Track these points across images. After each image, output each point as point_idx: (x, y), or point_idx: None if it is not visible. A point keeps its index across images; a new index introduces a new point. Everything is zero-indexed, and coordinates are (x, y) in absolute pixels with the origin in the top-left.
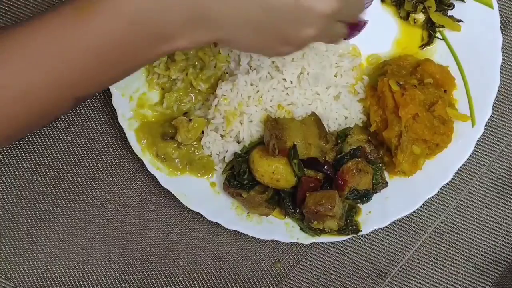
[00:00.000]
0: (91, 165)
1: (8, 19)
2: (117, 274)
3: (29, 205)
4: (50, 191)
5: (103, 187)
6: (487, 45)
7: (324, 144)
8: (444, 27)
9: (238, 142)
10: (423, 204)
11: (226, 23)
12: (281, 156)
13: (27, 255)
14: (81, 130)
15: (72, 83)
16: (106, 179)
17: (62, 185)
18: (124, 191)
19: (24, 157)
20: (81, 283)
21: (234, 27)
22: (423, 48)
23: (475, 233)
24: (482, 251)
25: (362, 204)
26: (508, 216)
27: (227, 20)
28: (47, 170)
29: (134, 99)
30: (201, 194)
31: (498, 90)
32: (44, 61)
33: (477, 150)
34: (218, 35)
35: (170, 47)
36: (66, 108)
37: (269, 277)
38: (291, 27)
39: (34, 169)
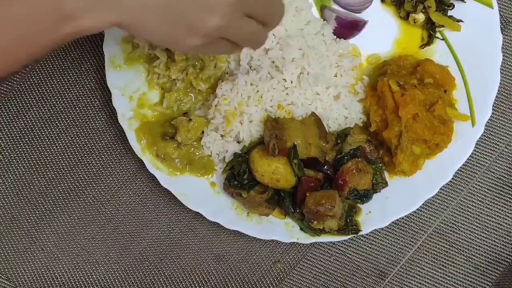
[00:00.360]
0: (91, 165)
1: None
2: (117, 274)
3: (29, 205)
4: (50, 191)
5: (103, 187)
6: (487, 45)
7: (324, 144)
8: (444, 27)
9: (238, 142)
10: (423, 204)
11: (131, 6)
12: (281, 156)
13: (27, 255)
14: (81, 130)
15: None
16: (106, 179)
17: (62, 185)
18: (124, 191)
19: (24, 157)
20: (81, 283)
21: (139, 11)
22: (423, 48)
23: (475, 233)
24: (482, 251)
25: (362, 204)
26: (508, 216)
27: (132, 3)
28: (47, 170)
29: (134, 99)
30: (201, 194)
31: (498, 90)
32: None
33: (477, 150)
34: (123, 19)
35: (75, 27)
36: None
37: (269, 277)
38: (195, 14)
39: (34, 169)
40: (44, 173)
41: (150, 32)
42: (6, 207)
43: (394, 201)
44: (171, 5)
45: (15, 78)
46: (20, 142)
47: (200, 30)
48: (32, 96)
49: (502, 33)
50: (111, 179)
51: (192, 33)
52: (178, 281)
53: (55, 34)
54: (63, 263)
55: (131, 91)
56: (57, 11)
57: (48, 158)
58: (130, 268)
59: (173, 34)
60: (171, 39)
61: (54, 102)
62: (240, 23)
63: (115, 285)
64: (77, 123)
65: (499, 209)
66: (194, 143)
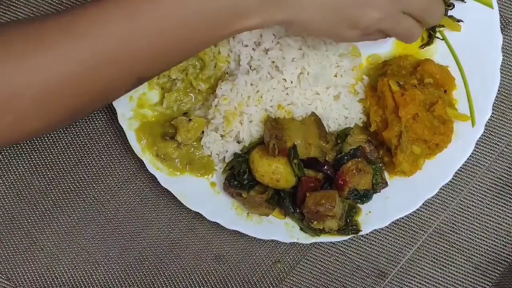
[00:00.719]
0: (91, 165)
1: (8, 19)
2: (117, 274)
3: (29, 205)
4: (50, 191)
5: (103, 187)
6: (487, 45)
7: (324, 144)
8: (444, 27)
9: (238, 142)
10: (423, 204)
11: (297, 5)
12: (281, 156)
13: (27, 255)
14: (81, 130)
15: (136, 61)
16: (106, 179)
17: (62, 185)
18: (124, 191)
19: (24, 157)
20: (81, 283)
21: (304, 9)
22: (423, 48)
23: (475, 233)
24: (482, 251)
25: (362, 204)
26: (508, 216)
27: (298, 2)
28: (47, 170)
29: (134, 99)
30: (201, 194)
31: (498, 90)
32: (113, 37)
33: (477, 150)
34: (291, 15)
35: (243, 25)
36: (129, 86)
37: (269, 277)
38: (356, 9)
39: (34, 169)
40: (44, 173)
41: (313, 28)
42: (6, 207)
43: (394, 201)
44: (333, 2)
45: None
46: (20, 142)
47: (361, 23)
48: None
49: (502, 33)
50: (111, 179)
51: (352, 27)
52: (178, 281)
53: (225, 30)
54: (63, 263)
55: (131, 91)
56: (232, 9)
57: (48, 158)
58: (130, 268)
59: (334, 29)
60: (332, 33)
61: None
62: (398, 18)
63: (115, 285)
64: (77, 123)
65: (499, 209)
66: (194, 143)
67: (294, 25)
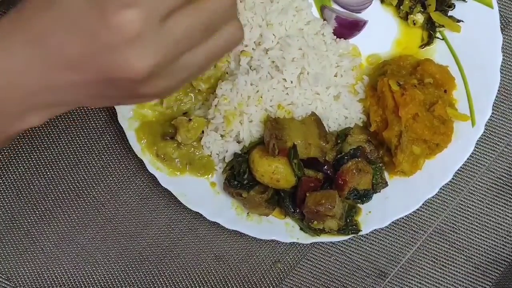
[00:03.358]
0: (91, 165)
1: None
2: (117, 274)
3: (29, 205)
4: (50, 191)
5: (103, 187)
6: (487, 45)
7: (324, 144)
8: (444, 27)
9: (238, 142)
10: (423, 204)
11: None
12: (281, 156)
13: (27, 255)
14: (81, 130)
15: None
16: (106, 179)
17: (62, 185)
18: (124, 191)
19: (24, 157)
20: (81, 283)
21: (81, 94)
22: (423, 48)
23: (475, 233)
24: (482, 251)
25: (362, 204)
26: (508, 216)
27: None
28: (47, 170)
29: None
30: (201, 194)
31: (498, 90)
32: None
33: (477, 150)
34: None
35: (22, 126)
36: None
37: (269, 277)
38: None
39: (34, 169)
40: (44, 173)
41: (92, 103)
42: (6, 207)
43: (394, 201)
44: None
45: None
46: (20, 142)
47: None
48: None
49: (502, 33)
50: (111, 179)
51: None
52: (178, 281)
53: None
54: (63, 263)
55: None
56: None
57: (48, 158)
58: (130, 268)
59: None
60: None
61: None
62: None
63: (115, 285)
64: (77, 123)
65: (499, 209)
66: (194, 143)
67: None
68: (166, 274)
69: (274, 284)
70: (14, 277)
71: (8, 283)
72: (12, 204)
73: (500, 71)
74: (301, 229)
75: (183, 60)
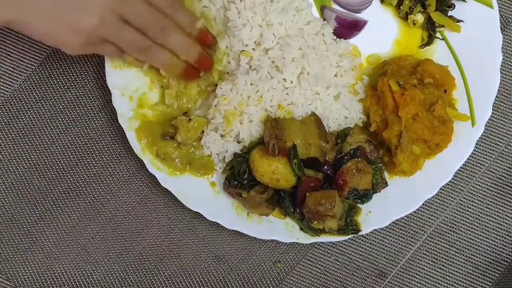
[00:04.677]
0: (91, 165)
1: None
2: (117, 274)
3: (29, 205)
4: (50, 191)
5: (103, 187)
6: (487, 45)
7: (324, 144)
8: (444, 27)
9: (238, 142)
10: (423, 204)
11: (17, 6)
12: (281, 156)
13: (27, 255)
14: (81, 130)
15: None
16: (106, 179)
17: (62, 185)
18: (124, 191)
19: (24, 157)
20: (81, 283)
21: (24, 10)
22: (423, 48)
23: (475, 233)
24: (482, 251)
25: (362, 204)
26: (508, 216)
27: (19, 2)
28: (47, 170)
29: (134, 99)
30: (201, 194)
31: (498, 90)
32: None
33: (477, 150)
34: (12, 16)
35: None
36: None
37: (269, 277)
38: (74, 12)
39: (34, 169)
40: (44, 173)
41: (35, 30)
42: (6, 207)
43: (394, 201)
44: (52, 6)
45: (15, 78)
46: (20, 142)
47: (81, 29)
48: (32, 96)
49: (502, 33)
50: (111, 179)
51: (74, 31)
52: (178, 281)
53: None
54: (63, 263)
55: (131, 91)
56: None
57: (48, 158)
58: (130, 268)
59: (57, 33)
60: (55, 38)
61: (54, 102)
62: (117, 27)
63: (115, 285)
64: (77, 123)
65: (499, 209)
66: (194, 143)
67: (17, 26)
68: (166, 274)
69: (274, 284)
70: (14, 277)
71: (8, 283)
72: (12, 204)
73: (500, 71)
74: (301, 229)
75: None
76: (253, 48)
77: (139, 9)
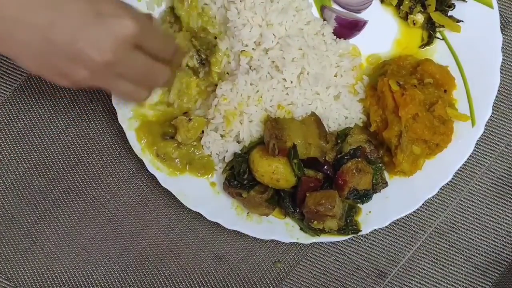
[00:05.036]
0: (91, 165)
1: None
2: (117, 274)
3: (29, 205)
4: (50, 191)
5: (103, 187)
6: (487, 45)
7: (324, 144)
8: (444, 27)
9: (238, 142)
10: (423, 204)
11: (12, 34)
12: (281, 156)
13: (27, 255)
14: (81, 130)
15: None
16: (106, 179)
17: (62, 185)
18: (124, 191)
19: (24, 157)
20: (81, 283)
21: (19, 42)
22: (423, 48)
23: (475, 233)
24: (482, 251)
25: (362, 204)
26: (508, 216)
27: (14, 32)
28: (47, 170)
29: None
30: (201, 194)
31: (498, 90)
32: None
33: (477, 150)
34: (5, 51)
35: None
36: None
37: (269, 277)
38: (66, 63)
39: (34, 169)
40: (44, 173)
41: (28, 66)
42: (6, 207)
43: (394, 201)
44: (45, 50)
45: (15, 78)
46: (20, 142)
47: (71, 77)
48: (32, 96)
49: (502, 33)
50: (111, 179)
51: (63, 77)
52: (178, 281)
53: None
54: (63, 263)
55: None
56: None
57: (48, 158)
58: (130, 268)
59: (48, 73)
60: (47, 75)
61: (54, 102)
62: (112, 81)
63: (115, 285)
64: (77, 123)
65: (499, 209)
66: (194, 143)
67: (10, 58)
68: (166, 274)
69: (274, 284)
70: (14, 277)
71: (8, 283)
72: (12, 204)
73: (500, 71)
74: (301, 229)
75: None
76: (253, 48)
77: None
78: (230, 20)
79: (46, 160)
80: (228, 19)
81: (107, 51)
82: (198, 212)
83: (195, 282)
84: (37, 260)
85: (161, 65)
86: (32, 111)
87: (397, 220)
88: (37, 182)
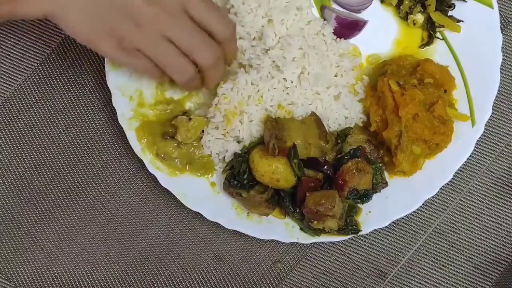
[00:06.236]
0: (91, 165)
1: None
2: (117, 274)
3: (29, 205)
4: (50, 191)
5: (103, 187)
6: (487, 45)
7: (324, 144)
8: (444, 27)
9: (238, 141)
10: (423, 204)
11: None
12: (281, 156)
13: (27, 255)
14: (81, 130)
15: None
16: (106, 179)
17: (62, 185)
18: (124, 191)
19: (24, 157)
20: (81, 283)
21: (68, 5)
22: (423, 48)
23: (475, 233)
24: (482, 251)
25: (362, 204)
26: (508, 216)
27: None
28: (47, 170)
29: (134, 99)
30: (201, 194)
31: (498, 90)
32: None
33: (477, 150)
34: (54, 10)
35: (11, 9)
36: None
37: (269, 277)
38: (116, 13)
39: (34, 169)
40: (44, 173)
41: (74, 27)
42: (6, 207)
43: (394, 201)
44: (95, 4)
45: (15, 78)
46: (20, 142)
47: (116, 31)
48: (32, 96)
49: (502, 33)
50: (111, 179)
51: (109, 35)
52: (178, 281)
53: None
54: (63, 263)
55: (131, 91)
56: None
57: (48, 158)
58: (130, 268)
59: (93, 33)
60: (91, 38)
61: (54, 102)
62: (157, 41)
63: (115, 285)
64: (77, 123)
65: (499, 209)
66: (194, 142)
67: (58, 20)
68: (166, 274)
69: (274, 284)
70: (14, 277)
71: (8, 283)
72: (12, 204)
73: (500, 71)
74: (301, 229)
75: None
76: (252, 45)
77: (184, 31)
78: (234, 6)
79: (46, 160)
80: (232, 5)
81: (158, 3)
82: (198, 212)
83: (195, 282)
84: (37, 260)
85: (214, 42)
86: (32, 111)
87: (397, 220)
88: (37, 182)
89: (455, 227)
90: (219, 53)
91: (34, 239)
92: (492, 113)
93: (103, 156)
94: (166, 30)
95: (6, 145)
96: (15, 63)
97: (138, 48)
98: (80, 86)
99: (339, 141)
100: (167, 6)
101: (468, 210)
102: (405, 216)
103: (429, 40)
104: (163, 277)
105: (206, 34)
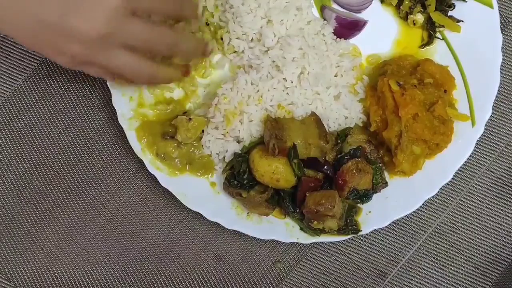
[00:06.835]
0: (91, 165)
1: None
2: (117, 274)
3: (29, 205)
4: (50, 191)
5: (103, 187)
6: (487, 45)
7: (324, 144)
8: (444, 27)
9: (238, 141)
10: (423, 204)
11: (6, 19)
12: (281, 156)
13: (27, 255)
14: (81, 130)
15: None
16: (106, 179)
17: (62, 185)
18: (124, 191)
19: (24, 157)
20: (81, 283)
21: (14, 25)
22: (423, 48)
23: (475, 233)
24: (482, 251)
25: (362, 204)
26: (508, 216)
27: (8, 17)
28: (47, 170)
29: (134, 99)
30: (201, 194)
31: (498, 90)
32: None
33: (477, 150)
34: (6, 32)
35: None
36: None
37: (269, 277)
38: (60, 40)
39: (34, 169)
40: (44, 173)
41: (25, 44)
42: (6, 207)
43: (394, 201)
44: (38, 29)
45: (15, 78)
46: (20, 142)
47: (66, 52)
48: (32, 96)
49: (502, 33)
50: (111, 179)
51: (59, 53)
52: (178, 281)
53: None
54: (63, 263)
55: (131, 91)
56: None
57: (48, 158)
58: (130, 268)
59: (44, 50)
60: (46, 54)
61: (54, 102)
62: (106, 54)
63: (115, 285)
64: (77, 123)
65: (499, 209)
66: (194, 142)
67: (6, 35)
68: (166, 274)
69: (274, 284)
70: (14, 277)
71: (8, 283)
72: (12, 204)
73: (500, 71)
74: (301, 229)
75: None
76: (250, 47)
77: (134, 37)
78: (233, 6)
79: (46, 160)
80: (231, 5)
81: (100, 23)
82: (198, 212)
83: (195, 282)
84: (37, 260)
85: (163, 28)
86: (32, 111)
87: (397, 220)
88: (37, 182)
89: (455, 227)
90: (174, 35)
91: (34, 239)
92: (492, 113)
93: (103, 156)
94: (116, 41)
95: (6, 145)
96: (15, 63)
97: (90, 62)
98: (80, 86)
99: (339, 141)
100: (111, 21)
101: (468, 210)
102: (405, 216)
103: (429, 40)
104: (163, 277)
105: (155, 25)
